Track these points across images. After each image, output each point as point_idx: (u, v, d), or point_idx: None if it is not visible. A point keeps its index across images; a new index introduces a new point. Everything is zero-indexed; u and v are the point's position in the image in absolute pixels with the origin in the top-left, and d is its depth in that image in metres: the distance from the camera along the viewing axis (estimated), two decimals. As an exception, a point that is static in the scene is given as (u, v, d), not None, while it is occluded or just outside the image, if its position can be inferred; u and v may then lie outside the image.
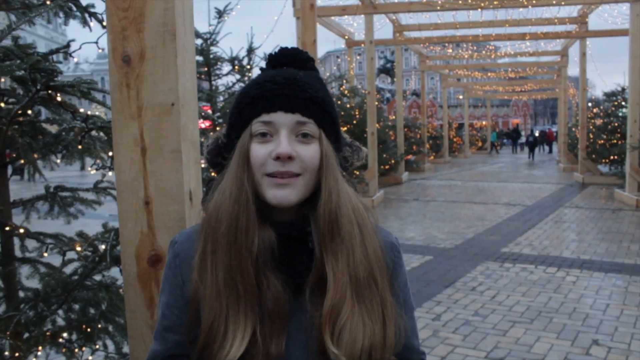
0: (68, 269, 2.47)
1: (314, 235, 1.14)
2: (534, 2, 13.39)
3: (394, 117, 21.18)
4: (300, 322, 1.13)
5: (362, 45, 16.07)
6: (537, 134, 39.08)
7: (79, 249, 2.27)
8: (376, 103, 15.16)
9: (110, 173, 2.79)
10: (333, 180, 1.15)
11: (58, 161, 2.81)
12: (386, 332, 1.14)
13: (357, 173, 13.70)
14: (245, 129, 1.15)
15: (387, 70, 64.15)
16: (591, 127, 19.44)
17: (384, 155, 16.96)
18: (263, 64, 1.27)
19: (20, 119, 2.36)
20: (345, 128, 14.33)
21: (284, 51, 1.22)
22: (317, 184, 1.15)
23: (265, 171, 1.11)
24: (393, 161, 18.07)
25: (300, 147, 1.12)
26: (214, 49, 7.09)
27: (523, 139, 40.10)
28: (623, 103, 17.62)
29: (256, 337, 1.09)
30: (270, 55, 1.23)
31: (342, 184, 1.17)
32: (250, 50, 6.98)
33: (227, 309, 1.09)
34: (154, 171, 1.64)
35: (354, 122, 14.48)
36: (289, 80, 1.15)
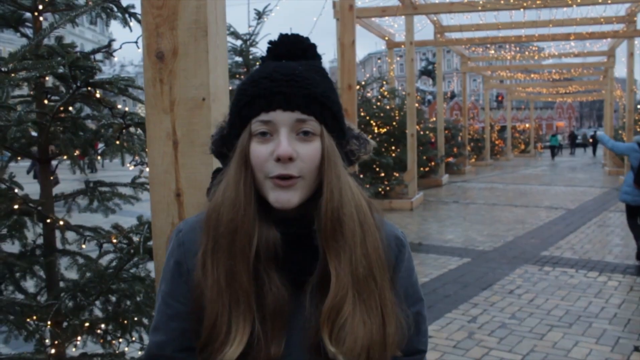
0: (104, 261, 2.55)
1: (318, 234, 1.13)
2: (579, 1, 13.10)
3: (434, 119, 21.02)
4: (299, 321, 1.13)
5: (403, 46, 16.00)
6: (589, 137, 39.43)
7: (114, 241, 2.35)
8: (416, 105, 15.07)
9: (147, 169, 2.87)
10: (335, 178, 1.12)
11: (98, 157, 2.91)
12: (386, 331, 1.13)
13: (397, 175, 13.66)
14: (245, 127, 1.12)
15: (429, 72, 63.66)
16: (638, 129, 18.89)
17: (424, 157, 16.84)
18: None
19: (62, 115, 2.45)
20: (385, 129, 14.28)
21: (283, 40, 1.18)
22: (319, 181, 1.13)
23: (267, 174, 1.09)
24: (433, 163, 17.94)
25: (300, 146, 1.10)
26: (253, 49, 7.19)
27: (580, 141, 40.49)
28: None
29: (256, 338, 1.08)
30: (270, 44, 1.19)
31: (344, 180, 1.14)
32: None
33: (230, 310, 1.09)
34: (185, 164, 1.68)
35: (394, 123, 14.41)
36: (287, 77, 1.11)
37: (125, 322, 2.68)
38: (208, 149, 1.28)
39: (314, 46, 1.19)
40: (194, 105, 1.67)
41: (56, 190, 2.85)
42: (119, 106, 2.39)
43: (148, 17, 1.66)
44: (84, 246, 2.60)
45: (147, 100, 1.69)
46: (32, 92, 2.67)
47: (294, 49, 1.17)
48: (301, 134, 1.10)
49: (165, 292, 1.21)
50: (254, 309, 1.09)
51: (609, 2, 13.29)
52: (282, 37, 1.19)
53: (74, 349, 2.81)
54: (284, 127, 1.09)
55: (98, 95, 2.24)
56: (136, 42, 2.71)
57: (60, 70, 2.07)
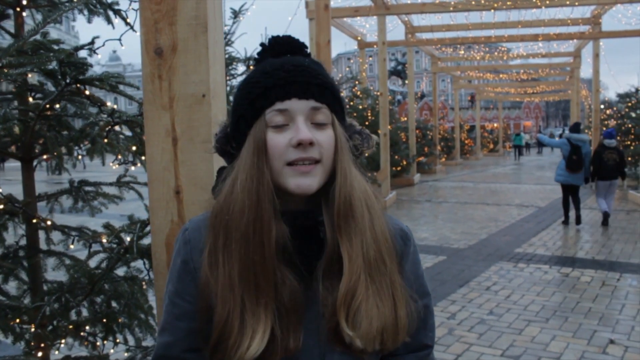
0: (93, 262, 2.51)
1: (326, 221, 1.14)
2: (547, 2, 13.36)
3: (405, 118, 21.17)
4: (312, 312, 1.13)
5: (375, 46, 16.07)
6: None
7: (104, 240, 2.31)
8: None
9: (132, 167, 2.82)
10: (347, 164, 1.15)
11: (79, 157, 2.86)
12: (397, 313, 1.14)
13: (370, 174, 13.71)
14: (258, 119, 1.13)
15: (398, 72, 64.09)
16: (604, 129, 19.32)
17: (396, 157, 16.96)
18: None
19: (48, 112, 2.40)
20: (357, 129, 14.31)
21: (281, 40, 1.21)
22: (333, 167, 1.15)
23: (287, 159, 1.10)
24: (405, 163, 18.07)
25: (317, 133, 1.12)
26: (229, 48, 7.14)
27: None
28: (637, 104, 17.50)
29: (274, 333, 1.08)
30: (269, 43, 1.21)
31: (353, 167, 1.18)
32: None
33: (244, 304, 1.08)
34: (185, 161, 1.67)
35: (366, 123, 14.48)
36: (299, 67, 1.14)
37: (111, 323, 2.64)
38: (211, 148, 1.28)
39: (305, 45, 1.23)
40: (194, 102, 1.65)
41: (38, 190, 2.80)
42: (108, 103, 2.35)
43: (146, 12, 1.64)
44: (71, 247, 2.55)
45: (146, 97, 1.67)
46: (14, 89, 2.61)
47: (291, 47, 1.21)
48: (315, 122, 1.13)
49: (172, 291, 1.20)
50: (274, 302, 1.09)
51: (576, 4, 13.59)
52: (277, 37, 1.22)
53: (56, 352, 2.76)
54: (300, 114, 1.12)
55: (87, 93, 2.20)
56: (119, 40, 2.68)
57: (50, 67, 2.02)
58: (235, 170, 1.14)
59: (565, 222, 10.36)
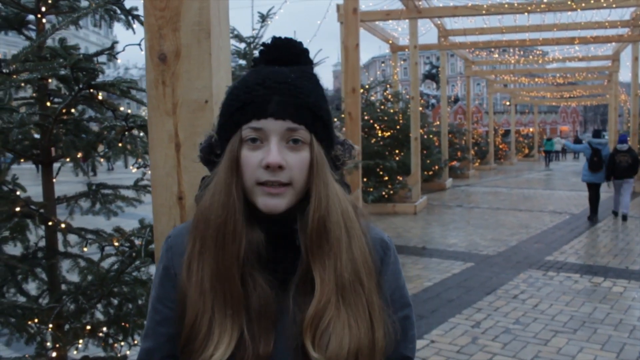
0: (106, 264, 2.54)
1: (301, 236, 1.13)
2: (583, 5, 13.08)
3: (438, 122, 20.99)
4: (285, 322, 1.12)
5: (407, 50, 15.99)
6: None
7: (116, 244, 2.33)
8: (420, 108, 15.05)
9: (149, 171, 2.85)
10: (323, 186, 1.13)
11: (101, 160, 2.90)
12: (374, 335, 1.12)
13: (400, 178, 13.63)
14: (235, 132, 1.12)
15: (433, 76, 63.65)
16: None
17: (428, 161, 16.81)
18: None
19: (65, 117, 2.44)
20: (389, 133, 14.26)
21: (277, 43, 1.18)
22: (306, 187, 1.13)
23: (257, 180, 1.10)
24: (437, 167, 17.91)
25: (290, 155, 1.10)
26: (257, 52, 7.18)
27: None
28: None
29: (244, 339, 1.08)
30: (263, 48, 1.18)
31: (332, 187, 1.15)
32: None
33: (213, 311, 1.09)
34: (188, 167, 1.67)
35: (397, 127, 14.38)
36: (280, 85, 1.11)
37: (127, 325, 2.67)
38: (196, 157, 1.27)
39: (306, 51, 1.19)
40: (196, 108, 1.65)
41: (58, 192, 2.85)
42: (122, 108, 2.38)
43: (150, 18, 1.65)
44: (85, 249, 2.59)
45: (150, 102, 1.68)
46: (34, 94, 2.66)
47: (287, 54, 1.17)
48: (291, 142, 1.10)
49: (155, 297, 1.21)
50: (243, 310, 1.10)
51: (614, 6, 13.27)
52: (276, 40, 1.18)
53: (75, 352, 2.80)
54: (275, 135, 1.09)
55: (100, 97, 2.23)
56: (139, 44, 2.70)
57: (62, 72, 2.05)
58: (214, 182, 1.15)
59: (591, 217, 11.51)
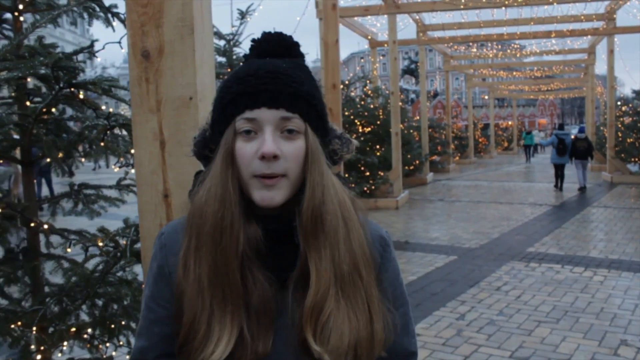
0: (90, 264, 2.51)
1: (299, 230, 1.12)
2: (559, -1, 13.20)
3: (418, 117, 21.08)
4: (284, 319, 1.11)
5: (386, 45, 16.01)
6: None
7: (100, 244, 2.31)
8: (400, 104, 15.09)
9: (132, 170, 2.82)
10: (318, 176, 1.11)
11: (82, 160, 2.86)
12: (373, 327, 1.12)
13: (382, 174, 13.67)
14: (229, 125, 1.11)
15: (412, 71, 63.81)
16: (620, 125, 19.10)
17: (408, 156, 16.88)
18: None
19: (45, 117, 2.40)
20: (369, 128, 14.29)
21: (267, 37, 1.17)
22: (303, 179, 1.12)
23: (253, 172, 1.08)
24: (417, 162, 17.98)
25: (285, 145, 1.08)
26: (236, 50, 7.14)
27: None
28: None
29: (244, 336, 1.07)
30: (254, 42, 1.17)
31: (328, 178, 1.13)
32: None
33: (212, 308, 1.07)
34: (173, 164, 1.65)
35: (378, 122, 14.41)
36: (272, 74, 1.09)
37: (112, 326, 2.64)
38: (190, 151, 1.25)
39: (297, 44, 1.18)
40: (180, 105, 1.64)
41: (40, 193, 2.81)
42: (103, 107, 2.35)
43: (133, 15, 1.63)
44: (69, 250, 2.56)
45: (133, 100, 1.66)
46: (13, 94, 2.62)
47: (278, 47, 1.16)
48: (285, 132, 1.09)
49: (148, 295, 1.19)
50: (242, 307, 1.08)
51: (589, -1, 13.42)
52: (266, 35, 1.18)
53: (60, 354, 2.77)
54: (269, 125, 1.08)
55: (81, 96, 2.20)
56: (119, 42, 2.67)
57: (42, 71, 2.02)
58: (209, 176, 1.13)
59: (556, 186, 16.03)
